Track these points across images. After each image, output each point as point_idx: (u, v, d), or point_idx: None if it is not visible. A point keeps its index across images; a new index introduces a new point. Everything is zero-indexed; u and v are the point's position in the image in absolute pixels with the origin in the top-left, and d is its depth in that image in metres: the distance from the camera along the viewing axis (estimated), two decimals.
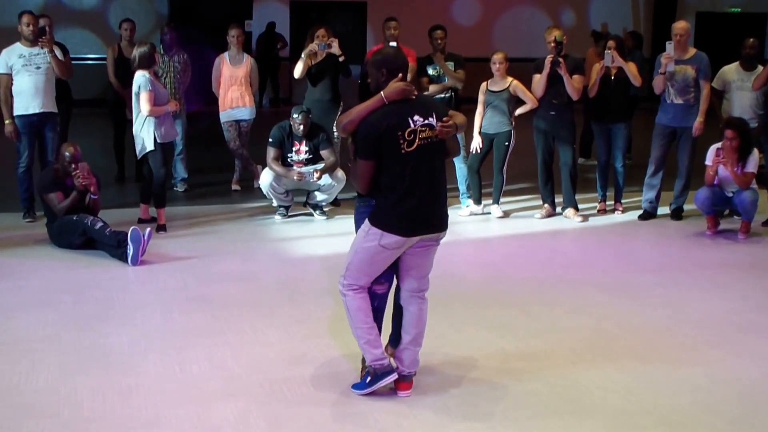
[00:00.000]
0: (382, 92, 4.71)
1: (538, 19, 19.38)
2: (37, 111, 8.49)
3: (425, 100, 4.90)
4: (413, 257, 4.84)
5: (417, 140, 4.65)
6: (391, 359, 4.97)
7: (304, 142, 8.84)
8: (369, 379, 4.87)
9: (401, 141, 4.62)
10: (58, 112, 8.77)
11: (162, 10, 17.95)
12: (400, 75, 4.76)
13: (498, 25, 20.05)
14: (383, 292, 4.97)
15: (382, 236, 4.68)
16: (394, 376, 4.84)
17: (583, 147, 12.08)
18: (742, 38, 9.45)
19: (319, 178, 8.75)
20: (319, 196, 9.03)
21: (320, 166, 8.84)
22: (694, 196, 8.68)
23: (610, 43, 9.09)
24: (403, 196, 4.65)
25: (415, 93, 4.79)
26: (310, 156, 8.88)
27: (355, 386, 4.95)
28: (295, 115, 8.72)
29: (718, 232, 8.67)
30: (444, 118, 4.75)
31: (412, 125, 4.65)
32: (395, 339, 5.08)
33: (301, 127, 8.72)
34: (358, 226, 4.92)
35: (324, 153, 8.83)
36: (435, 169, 4.76)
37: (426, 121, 4.69)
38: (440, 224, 4.83)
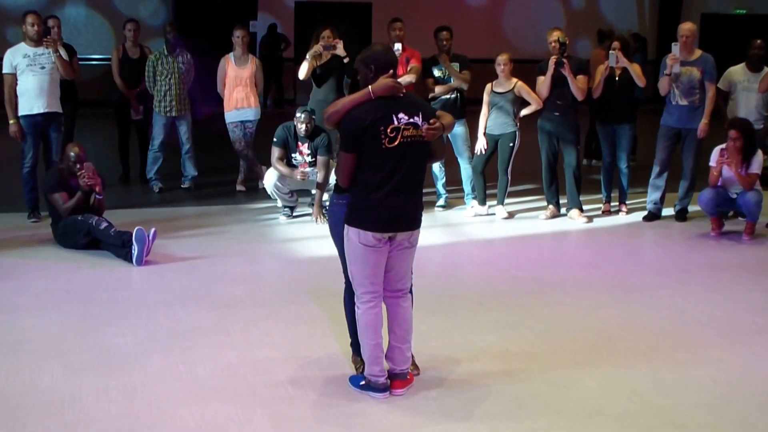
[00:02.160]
0: (369, 87, 4.72)
1: (545, 13, 19.43)
2: (41, 111, 8.50)
3: (413, 99, 4.89)
4: (389, 260, 4.83)
5: (399, 137, 4.66)
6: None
7: (306, 143, 8.83)
8: (363, 383, 4.94)
9: (383, 136, 4.63)
10: (62, 113, 8.78)
11: (166, 11, 17.97)
12: (390, 72, 4.77)
13: (504, 24, 20.07)
14: None
15: (359, 234, 4.71)
16: (385, 396, 4.87)
17: (589, 149, 12.07)
18: (748, 40, 9.43)
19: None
20: (323, 197, 9.02)
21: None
22: (698, 197, 8.67)
23: (615, 43, 9.09)
24: (377, 190, 4.67)
25: (403, 91, 4.80)
26: (313, 159, 8.87)
27: (351, 379, 5.03)
28: (298, 114, 8.72)
29: (722, 233, 8.66)
30: (431, 120, 4.75)
31: (395, 122, 4.66)
32: (356, 348, 5.09)
33: (304, 126, 8.71)
34: (331, 219, 4.96)
35: (319, 159, 8.78)
36: (414, 167, 4.77)
37: (411, 120, 4.70)
38: (410, 223, 4.81)
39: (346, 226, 4.78)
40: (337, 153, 4.84)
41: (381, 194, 4.67)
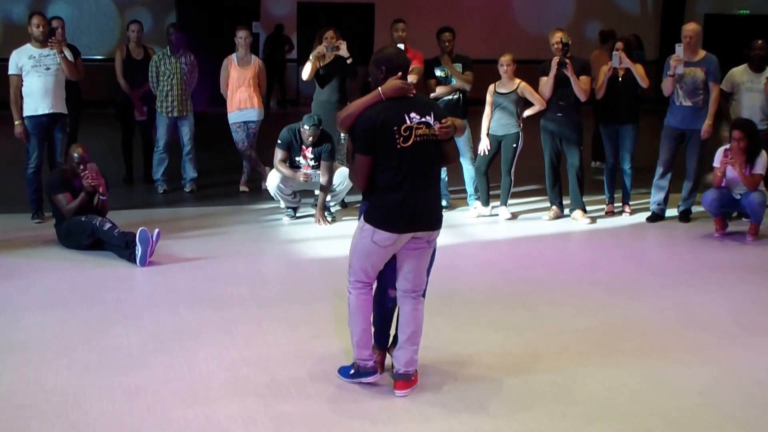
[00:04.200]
0: (379, 88, 4.75)
1: (547, 13, 19.50)
2: (46, 112, 8.50)
3: (422, 99, 4.93)
4: (405, 258, 4.87)
5: (413, 136, 4.69)
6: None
7: (310, 149, 8.82)
8: (353, 371, 5.02)
9: (397, 136, 4.66)
10: (67, 114, 8.78)
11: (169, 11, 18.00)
12: (400, 74, 4.79)
13: (512, 17, 20.09)
14: (395, 296, 5.01)
15: (374, 233, 4.73)
16: (375, 378, 4.98)
17: (595, 150, 12.03)
18: (751, 40, 9.41)
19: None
20: (326, 199, 9.01)
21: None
22: (702, 198, 8.66)
23: (618, 44, 9.08)
24: (395, 190, 4.69)
25: (413, 91, 4.83)
26: (317, 162, 8.86)
27: (340, 370, 5.09)
28: (306, 126, 8.66)
29: (726, 234, 8.66)
30: (443, 120, 4.79)
31: (408, 121, 4.69)
32: (378, 340, 5.15)
33: (311, 138, 8.67)
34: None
35: (322, 164, 8.77)
36: (428, 166, 4.80)
37: (423, 119, 4.73)
38: (431, 222, 4.84)
39: (362, 220, 4.80)
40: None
41: (400, 196, 4.69)
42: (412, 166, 4.69)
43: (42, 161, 8.67)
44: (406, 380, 4.95)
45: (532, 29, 18.95)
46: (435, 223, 4.87)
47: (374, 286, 5.01)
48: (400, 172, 4.68)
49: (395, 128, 4.66)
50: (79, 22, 17.28)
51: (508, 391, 5.02)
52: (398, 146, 4.66)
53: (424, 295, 5.09)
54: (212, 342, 5.67)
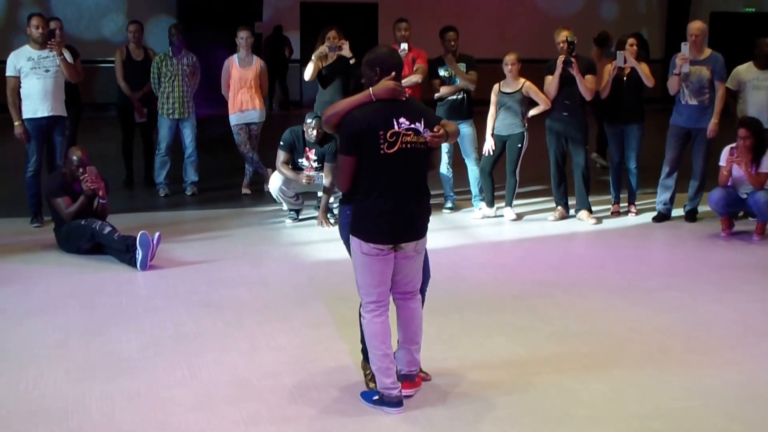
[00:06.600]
0: (370, 89, 4.63)
1: (549, 14, 19.46)
2: (46, 114, 8.45)
3: (415, 105, 4.77)
4: (396, 267, 4.73)
5: (399, 143, 4.56)
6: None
7: (315, 149, 8.76)
8: (376, 398, 4.79)
9: (381, 141, 4.53)
10: (67, 116, 8.72)
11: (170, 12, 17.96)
12: (393, 74, 4.66)
13: (509, 24, 20.04)
14: None
15: (361, 245, 4.63)
16: (399, 411, 4.71)
17: (600, 148, 11.97)
18: (757, 38, 9.34)
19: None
20: (329, 201, 8.96)
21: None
22: (708, 197, 8.61)
23: (631, 40, 9.05)
24: (377, 199, 4.57)
25: (406, 95, 4.69)
26: (320, 164, 8.80)
27: (363, 395, 4.89)
28: (308, 120, 8.63)
29: (732, 233, 8.60)
30: (435, 128, 4.65)
31: (396, 127, 4.56)
32: (367, 352, 4.95)
33: (314, 132, 8.63)
34: (343, 231, 4.84)
35: (326, 165, 8.69)
36: (415, 175, 4.67)
37: (412, 126, 4.60)
38: (416, 232, 4.70)
39: (350, 235, 4.71)
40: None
41: (382, 203, 4.57)
42: (396, 174, 4.57)
43: (41, 164, 8.62)
44: (410, 381, 4.88)
45: (538, 24, 18.87)
46: (419, 233, 4.73)
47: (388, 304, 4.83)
48: (382, 179, 4.56)
49: (381, 133, 4.53)
50: (78, 23, 17.26)
51: (513, 393, 4.96)
52: (381, 152, 4.53)
53: (424, 294, 5.02)
54: (214, 346, 5.62)
